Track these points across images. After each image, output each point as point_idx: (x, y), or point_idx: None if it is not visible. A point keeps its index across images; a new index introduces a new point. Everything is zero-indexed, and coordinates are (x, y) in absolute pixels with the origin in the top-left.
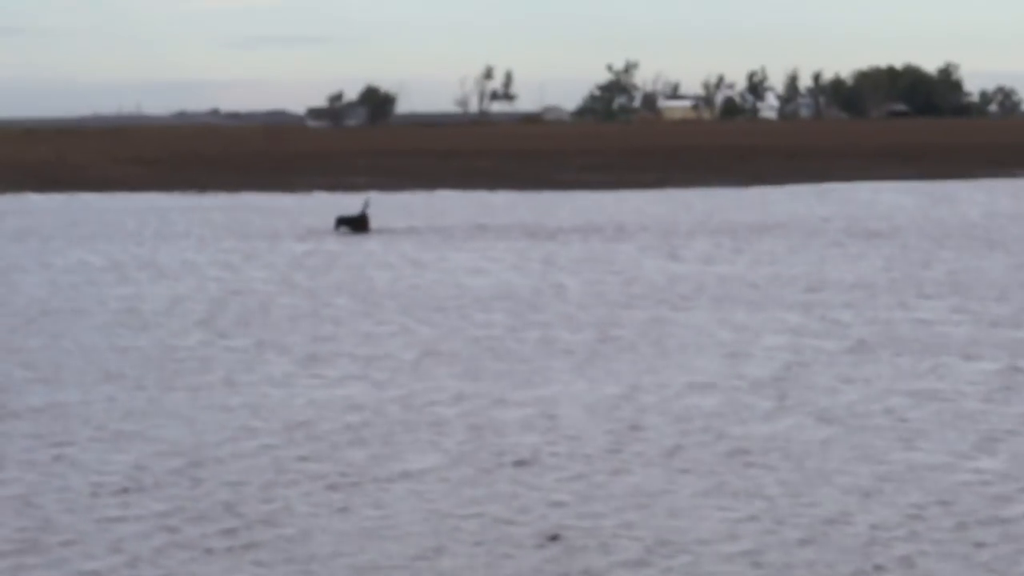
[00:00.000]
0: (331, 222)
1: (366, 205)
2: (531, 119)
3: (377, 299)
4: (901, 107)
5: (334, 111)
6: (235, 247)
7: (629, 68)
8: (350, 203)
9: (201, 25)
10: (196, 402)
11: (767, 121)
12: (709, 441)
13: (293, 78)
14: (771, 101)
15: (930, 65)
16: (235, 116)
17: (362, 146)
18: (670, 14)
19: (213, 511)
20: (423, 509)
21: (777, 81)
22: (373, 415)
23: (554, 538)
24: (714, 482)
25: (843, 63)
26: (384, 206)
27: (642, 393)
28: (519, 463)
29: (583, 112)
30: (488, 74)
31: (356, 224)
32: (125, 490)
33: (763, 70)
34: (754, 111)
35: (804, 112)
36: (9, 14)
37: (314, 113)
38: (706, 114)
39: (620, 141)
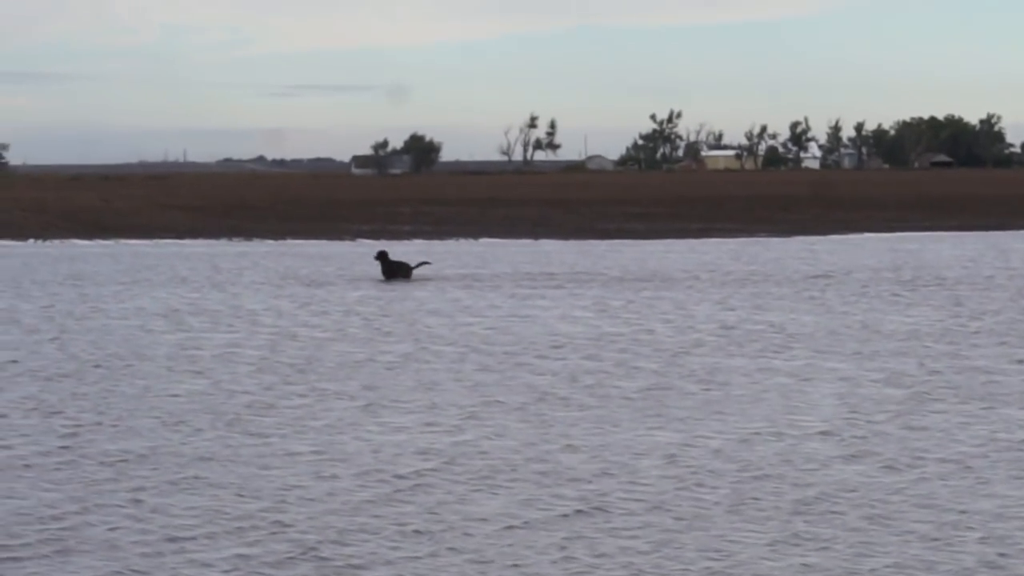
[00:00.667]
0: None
1: (419, 264)
2: (574, 168)
3: (440, 346)
4: (943, 157)
5: (379, 159)
6: (291, 294)
7: (672, 118)
8: (403, 251)
9: (247, 73)
10: (265, 448)
11: (810, 171)
12: (779, 490)
13: (338, 126)
14: (814, 151)
15: (972, 116)
16: (280, 163)
17: (407, 194)
18: (713, 65)
19: (289, 557)
20: (503, 558)
21: (820, 131)
22: (444, 462)
23: None
24: (785, 532)
25: (885, 114)
26: (431, 254)
27: (757, 441)
28: (589, 511)
29: (626, 161)
30: (532, 123)
31: (392, 268)
32: (202, 536)
33: (806, 120)
34: (797, 161)
35: (847, 162)
36: (55, 60)
37: (359, 161)
38: (749, 164)
39: (663, 190)
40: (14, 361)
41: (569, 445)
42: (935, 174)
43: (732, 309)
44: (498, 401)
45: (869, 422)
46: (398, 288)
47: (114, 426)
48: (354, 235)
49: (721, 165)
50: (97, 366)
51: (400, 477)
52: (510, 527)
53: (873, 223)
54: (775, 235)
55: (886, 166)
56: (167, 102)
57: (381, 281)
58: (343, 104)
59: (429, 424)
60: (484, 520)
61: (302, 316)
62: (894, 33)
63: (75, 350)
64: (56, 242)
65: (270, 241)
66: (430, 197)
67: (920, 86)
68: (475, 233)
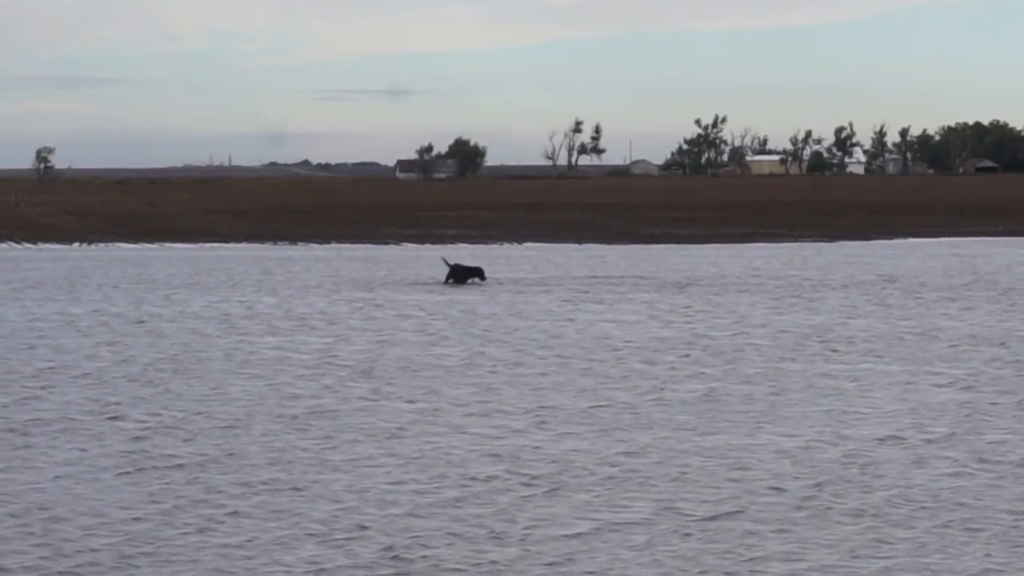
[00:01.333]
0: (442, 273)
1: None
2: (619, 172)
3: (528, 349)
4: (988, 163)
5: (424, 163)
6: (365, 297)
7: (717, 123)
8: (456, 255)
9: (293, 77)
10: (375, 451)
11: (854, 176)
12: (902, 496)
13: (384, 130)
14: (858, 156)
15: (1017, 121)
16: (325, 168)
17: (451, 198)
18: (759, 70)
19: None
20: (636, 567)
21: (864, 136)
22: (562, 466)
23: None
24: (917, 542)
25: (930, 119)
26: (483, 258)
27: (828, 445)
28: (721, 515)
29: (671, 166)
30: (577, 128)
31: (461, 273)
32: (322, 540)
33: (851, 125)
34: (841, 166)
35: (891, 167)
36: (103, 65)
37: (404, 165)
38: (793, 169)
39: (708, 195)
40: (122, 360)
41: (627, 450)
42: (980, 179)
43: (818, 313)
44: (608, 404)
45: (991, 428)
46: (475, 292)
47: (226, 427)
48: (399, 239)
49: (766, 170)
50: (196, 366)
51: (534, 479)
52: (633, 535)
53: (918, 228)
54: (820, 240)
55: (931, 171)
56: (213, 107)
57: (446, 283)
58: (388, 109)
59: (543, 426)
60: (608, 528)
61: (389, 320)
62: (939, 39)
63: (173, 352)
64: (102, 245)
65: (315, 245)
66: (475, 201)
67: (965, 91)
68: (520, 238)
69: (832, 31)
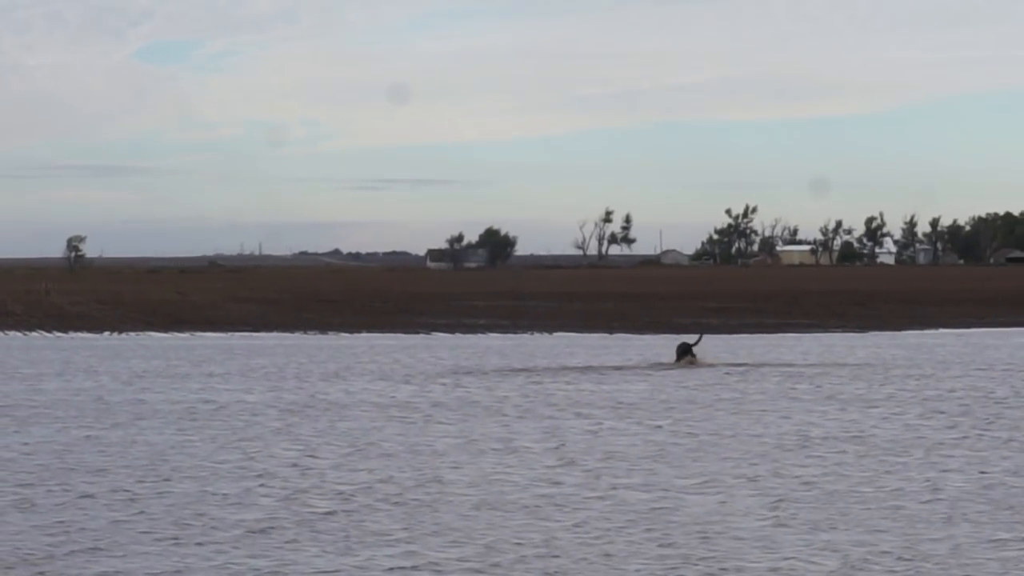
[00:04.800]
0: (506, 362)
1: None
2: (649, 262)
3: (705, 437)
4: (1018, 253)
5: (454, 252)
6: (489, 384)
7: (748, 212)
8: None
9: (325, 167)
10: (649, 541)
11: (885, 266)
12: None
13: (414, 220)
14: (889, 246)
15: None
16: (356, 256)
17: (482, 287)
18: (789, 160)
19: None
20: None
21: (895, 227)
22: (842, 562)
23: None
24: None
25: (961, 209)
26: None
27: None
28: None
29: (701, 256)
30: (607, 217)
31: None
32: None
33: (881, 216)
34: (872, 256)
35: (921, 257)
36: (135, 154)
37: (434, 254)
38: (824, 259)
39: (738, 285)
40: (311, 451)
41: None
42: (1010, 270)
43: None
44: (846, 493)
45: None
46: (613, 379)
47: (469, 513)
48: (429, 328)
49: (796, 260)
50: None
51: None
52: None
53: (948, 319)
54: (850, 330)
55: (961, 261)
56: (245, 196)
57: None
58: (419, 198)
59: (791, 520)
60: None
61: (539, 407)
62: (969, 129)
63: (358, 441)
64: (132, 335)
65: (344, 334)
66: (505, 291)
67: (995, 182)
68: (551, 327)
69: (862, 121)
